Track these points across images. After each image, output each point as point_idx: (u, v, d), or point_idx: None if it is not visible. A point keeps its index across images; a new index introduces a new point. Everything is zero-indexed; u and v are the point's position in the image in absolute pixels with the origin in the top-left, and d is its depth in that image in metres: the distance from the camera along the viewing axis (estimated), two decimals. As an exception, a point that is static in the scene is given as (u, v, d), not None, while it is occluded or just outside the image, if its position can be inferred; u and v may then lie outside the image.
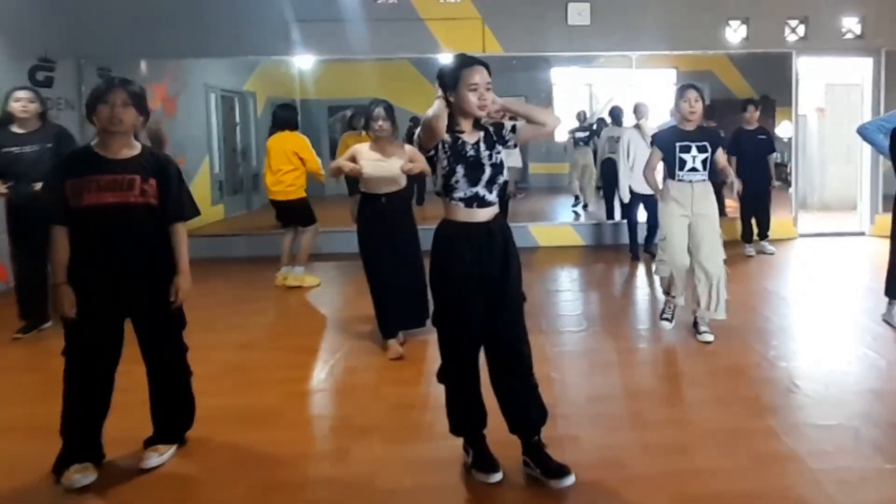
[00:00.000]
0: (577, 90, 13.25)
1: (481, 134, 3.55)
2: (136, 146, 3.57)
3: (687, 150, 5.71)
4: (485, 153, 3.50)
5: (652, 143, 6.10)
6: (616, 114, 10.33)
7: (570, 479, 3.43)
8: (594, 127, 12.17)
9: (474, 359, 3.54)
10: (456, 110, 3.42)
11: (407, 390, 5.00)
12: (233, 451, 4.09)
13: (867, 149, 10.55)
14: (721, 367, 5.33)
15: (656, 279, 6.60)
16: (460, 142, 3.47)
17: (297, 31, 9.79)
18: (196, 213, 3.93)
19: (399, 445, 4.08)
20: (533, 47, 10.02)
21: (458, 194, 3.45)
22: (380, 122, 5.68)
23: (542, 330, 6.10)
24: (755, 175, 9.27)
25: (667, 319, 5.99)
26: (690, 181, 5.77)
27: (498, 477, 3.50)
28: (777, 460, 3.81)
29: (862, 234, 10.90)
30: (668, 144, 5.80)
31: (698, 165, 5.76)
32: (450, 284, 3.47)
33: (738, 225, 10.08)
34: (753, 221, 9.82)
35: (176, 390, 3.94)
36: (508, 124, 3.62)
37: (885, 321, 5.93)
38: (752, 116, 9.25)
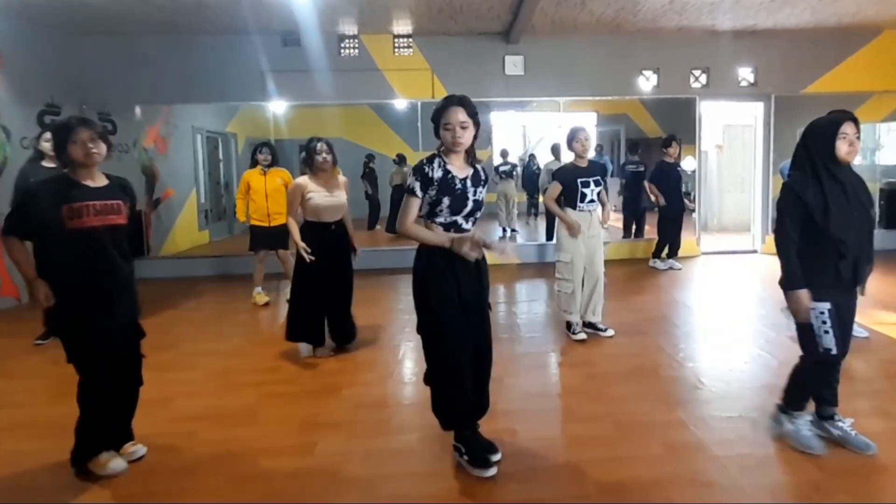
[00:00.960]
0: (512, 131, 13.29)
1: (471, 172, 3.48)
2: (102, 177, 3.56)
3: (586, 185, 5.78)
4: (471, 189, 3.44)
5: (553, 178, 6.04)
6: (556, 149, 10.25)
7: (494, 470, 3.46)
8: (515, 163, 12.33)
9: (465, 358, 3.47)
10: (444, 145, 3.40)
11: (367, 391, 4.95)
12: (214, 446, 4.02)
13: (758, 179, 10.74)
14: (637, 367, 5.31)
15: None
16: (450, 176, 3.37)
17: (271, 80, 9.72)
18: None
19: (361, 440, 4.04)
20: (475, 93, 9.61)
21: (440, 220, 3.40)
22: (323, 156, 5.48)
23: None
24: (674, 201, 9.34)
25: (580, 331, 6.03)
26: (589, 211, 5.90)
27: (493, 471, 3.47)
28: (687, 449, 3.81)
29: (755, 251, 10.99)
30: (570, 181, 5.82)
31: (594, 197, 5.87)
32: (435, 297, 3.39)
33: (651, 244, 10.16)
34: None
35: (134, 395, 3.83)
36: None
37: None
38: (674, 151, 9.22)
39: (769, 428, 3.97)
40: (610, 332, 6.12)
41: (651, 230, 10.48)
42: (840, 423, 3.69)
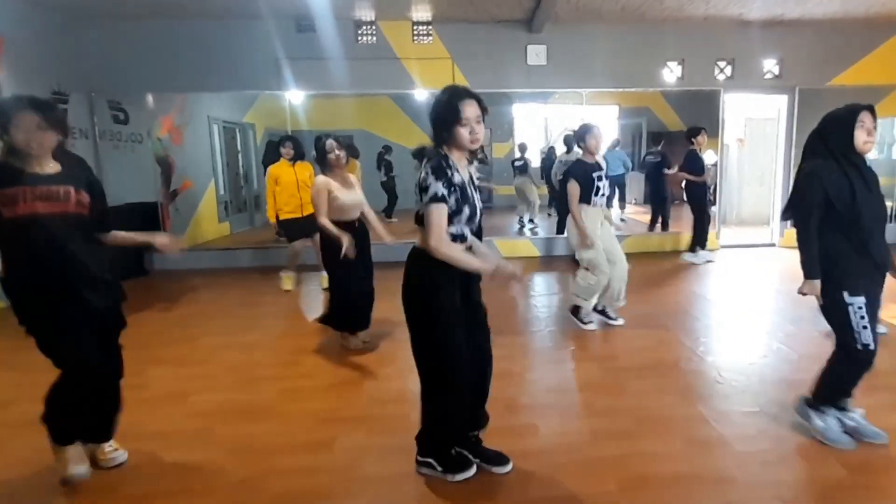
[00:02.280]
0: (534, 123, 13.30)
1: (469, 174, 3.21)
2: (56, 165, 3.30)
3: (599, 178, 5.88)
4: (474, 195, 3.20)
5: (568, 178, 6.00)
6: (569, 141, 10.28)
7: (510, 465, 3.50)
8: (528, 157, 12.24)
9: (467, 366, 3.25)
10: (451, 143, 3.08)
11: (386, 385, 4.96)
12: (232, 442, 4.05)
13: (780, 173, 10.72)
14: (657, 361, 5.34)
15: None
16: (462, 181, 3.09)
17: (287, 69, 9.71)
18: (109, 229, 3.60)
19: (380, 436, 4.05)
20: (497, 84, 9.94)
21: (451, 230, 3.09)
22: (335, 153, 5.46)
23: (503, 331, 5.97)
24: (702, 187, 9.40)
25: (591, 321, 6.21)
26: (602, 205, 6.02)
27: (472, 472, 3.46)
28: (708, 444, 3.84)
29: (773, 245, 11.01)
30: (586, 176, 5.84)
31: (606, 190, 5.99)
32: (443, 309, 3.15)
33: (675, 238, 10.29)
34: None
35: (114, 388, 3.62)
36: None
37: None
38: (702, 140, 9.24)
39: (791, 423, 3.99)
40: (621, 321, 6.29)
41: (675, 225, 10.59)
42: (853, 414, 3.75)
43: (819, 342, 5.60)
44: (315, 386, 5.01)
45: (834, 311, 3.52)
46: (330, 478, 3.56)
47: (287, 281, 8.20)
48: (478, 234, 3.27)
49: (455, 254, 3.04)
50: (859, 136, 3.31)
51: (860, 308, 3.40)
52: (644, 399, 4.54)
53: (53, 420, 3.37)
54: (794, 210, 3.52)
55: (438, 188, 2.97)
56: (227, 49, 9.63)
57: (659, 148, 10.78)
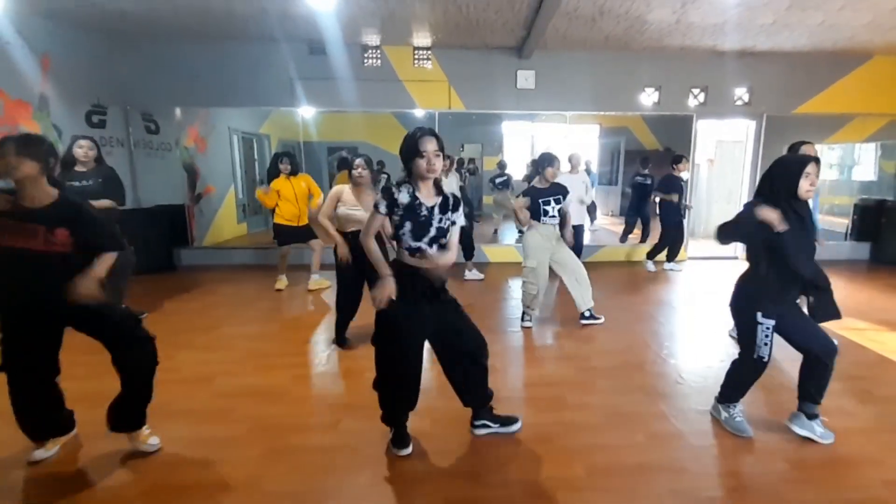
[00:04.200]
0: (522, 140, 13.44)
1: (439, 200, 3.47)
2: (49, 195, 3.22)
3: (547, 203, 6.18)
4: (437, 216, 3.43)
5: (524, 195, 6.36)
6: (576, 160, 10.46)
7: (519, 423, 3.98)
8: (509, 174, 12.37)
9: (417, 365, 3.61)
10: (414, 175, 3.38)
11: None
12: (252, 421, 4.22)
13: (745, 192, 10.87)
14: (625, 362, 5.46)
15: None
16: (417, 202, 3.38)
17: (300, 87, 9.84)
18: (119, 247, 3.45)
19: (377, 421, 4.08)
20: (489, 105, 10.08)
21: (405, 243, 3.41)
22: (359, 170, 5.42)
23: (489, 329, 6.07)
24: (679, 210, 9.59)
25: (529, 321, 6.56)
26: (553, 224, 6.27)
27: (409, 451, 3.76)
28: (667, 438, 3.99)
29: (735, 258, 11.07)
30: (534, 200, 6.17)
31: (555, 213, 6.23)
32: (396, 315, 3.39)
33: (644, 248, 10.47)
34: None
35: (141, 374, 3.61)
36: (460, 220, 3.59)
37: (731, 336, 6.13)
38: (684, 167, 9.43)
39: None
40: (601, 320, 6.64)
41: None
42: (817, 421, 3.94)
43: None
44: (323, 374, 5.18)
45: (746, 325, 3.79)
46: (335, 456, 3.73)
47: (280, 283, 8.40)
48: (466, 247, 3.55)
49: (370, 246, 3.46)
50: (803, 185, 3.45)
51: (767, 328, 3.67)
52: (612, 396, 4.67)
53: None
54: (728, 231, 3.69)
55: (379, 200, 3.37)
56: (246, 68, 9.77)
57: (646, 171, 10.87)
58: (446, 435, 4.00)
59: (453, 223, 3.54)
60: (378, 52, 9.88)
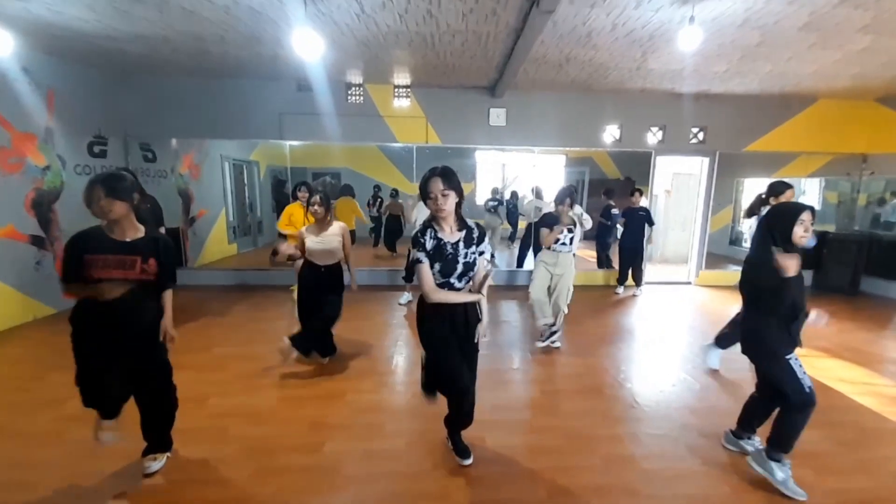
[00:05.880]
0: (493, 168, 13.53)
1: (462, 234, 3.47)
2: (139, 229, 3.42)
3: (559, 231, 6.37)
4: (462, 251, 3.44)
5: (540, 225, 6.54)
6: (538, 190, 10.77)
7: (470, 460, 3.97)
8: (500, 199, 12.48)
9: (459, 374, 3.60)
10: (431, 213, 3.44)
11: (365, 397, 5.14)
12: (242, 441, 4.28)
13: (699, 220, 11.07)
14: (585, 386, 5.55)
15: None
16: (442, 243, 3.41)
17: (286, 121, 9.91)
18: (174, 282, 3.72)
19: (360, 441, 4.27)
20: (463, 140, 10.19)
21: (436, 280, 3.43)
22: (315, 207, 5.56)
23: None
24: (636, 239, 9.82)
25: (554, 341, 6.65)
26: (559, 251, 6.43)
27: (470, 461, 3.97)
28: (621, 461, 4.09)
29: (689, 283, 11.27)
30: (548, 226, 6.39)
31: (566, 241, 6.40)
32: (434, 343, 3.57)
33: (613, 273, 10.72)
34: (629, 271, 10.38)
35: (163, 410, 3.90)
36: (487, 250, 3.57)
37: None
38: (638, 199, 9.67)
39: (687, 445, 4.31)
40: (558, 343, 6.73)
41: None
42: (753, 440, 4.13)
43: (718, 374, 5.90)
44: (307, 395, 5.19)
45: (780, 369, 3.62)
46: (320, 477, 3.81)
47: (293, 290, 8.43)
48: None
49: (442, 296, 3.44)
50: (797, 232, 3.46)
51: (797, 359, 3.59)
52: (573, 419, 4.75)
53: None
54: (756, 299, 3.66)
55: (416, 253, 3.40)
56: (237, 103, 9.82)
57: (612, 201, 11.02)
58: (420, 456, 4.08)
59: (480, 253, 3.53)
60: (361, 89, 9.97)
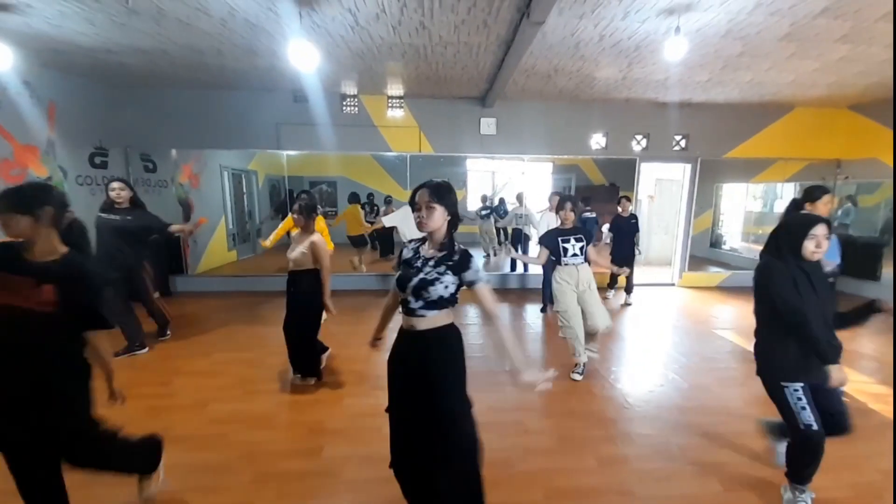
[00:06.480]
0: (483, 175, 13.58)
1: (442, 255, 2.85)
2: (55, 252, 2.72)
3: (567, 241, 5.59)
4: (428, 268, 2.83)
5: (539, 244, 5.80)
6: (520, 196, 10.68)
7: None
8: (491, 206, 12.54)
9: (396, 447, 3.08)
10: None
11: (363, 401, 5.10)
12: (242, 447, 4.23)
13: (681, 224, 11.12)
14: (577, 387, 5.54)
15: (539, 319, 6.69)
16: (416, 255, 2.93)
17: (283, 131, 9.88)
18: (106, 326, 2.84)
19: (358, 445, 4.23)
20: (455, 149, 10.20)
21: (400, 296, 2.93)
22: (295, 214, 5.26)
23: None
24: (625, 246, 9.62)
25: (578, 374, 5.81)
26: (575, 265, 5.62)
27: None
28: (614, 461, 4.08)
29: (672, 285, 11.31)
30: (553, 242, 5.63)
31: (577, 251, 5.60)
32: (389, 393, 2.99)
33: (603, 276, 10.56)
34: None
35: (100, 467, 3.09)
36: (477, 276, 2.83)
37: None
38: (626, 207, 9.52)
39: (678, 445, 4.30)
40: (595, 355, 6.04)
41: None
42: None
43: (705, 373, 5.92)
44: (306, 400, 5.14)
45: (777, 397, 3.34)
46: (319, 481, 3.77)
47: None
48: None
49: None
50: (807, 246, 3.13)
51: (796, 391, 3.23)
52: (566, 420, 4.74)
53: None
54: (776, 303, 3.19)
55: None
56: (235, 114, 9.79)
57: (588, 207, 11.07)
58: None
59: (470, 283, 2.84)
60: (355, 100, 9.96)
